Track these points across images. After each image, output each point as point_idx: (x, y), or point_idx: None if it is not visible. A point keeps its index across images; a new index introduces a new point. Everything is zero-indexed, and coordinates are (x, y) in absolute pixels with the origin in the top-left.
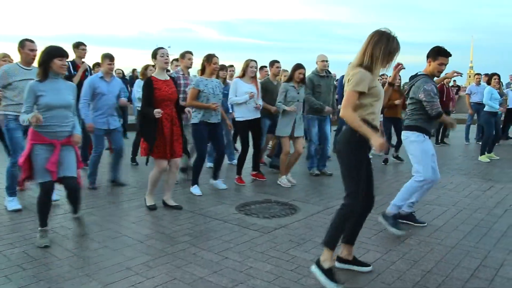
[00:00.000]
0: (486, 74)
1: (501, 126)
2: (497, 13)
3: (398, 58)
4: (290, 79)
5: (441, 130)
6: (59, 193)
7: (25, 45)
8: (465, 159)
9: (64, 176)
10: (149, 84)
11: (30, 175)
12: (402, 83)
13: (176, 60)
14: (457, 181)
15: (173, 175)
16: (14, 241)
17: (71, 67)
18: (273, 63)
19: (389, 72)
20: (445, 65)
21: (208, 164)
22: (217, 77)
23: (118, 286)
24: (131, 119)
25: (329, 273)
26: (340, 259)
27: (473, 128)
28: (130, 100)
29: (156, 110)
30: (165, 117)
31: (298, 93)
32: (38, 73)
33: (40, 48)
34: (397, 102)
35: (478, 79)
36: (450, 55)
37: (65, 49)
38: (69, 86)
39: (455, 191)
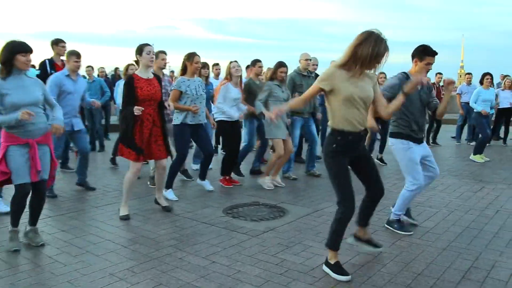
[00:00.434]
0: (469, 74)
1: (491, 126)
2: (488, 12)
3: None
4: (272, 78)
5: (431, 130)
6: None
7: None
8: (456, 160)
9: (40, 179)
10: (130, 82)
11: (7, 178)
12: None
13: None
14: (448, 182)
15: (160, 176)
16: None
17: (48, 66)
18: (255, 62)
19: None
20: (432, 64)
21: (194, 166)
22: (200, 75)
23: None
24: (114, 119)
25: (337, 267)
26: (356, 237)
27: (465, 129)
28: (113, 99)
29: (136, 108)
30: (146, 118)
31: (283, 91)
32: (1, 71)
33: None
34: None
35: (469, 79)
36: (437, 54)
37: (45, 46)
38: (35, 82)
39: (446, 192)
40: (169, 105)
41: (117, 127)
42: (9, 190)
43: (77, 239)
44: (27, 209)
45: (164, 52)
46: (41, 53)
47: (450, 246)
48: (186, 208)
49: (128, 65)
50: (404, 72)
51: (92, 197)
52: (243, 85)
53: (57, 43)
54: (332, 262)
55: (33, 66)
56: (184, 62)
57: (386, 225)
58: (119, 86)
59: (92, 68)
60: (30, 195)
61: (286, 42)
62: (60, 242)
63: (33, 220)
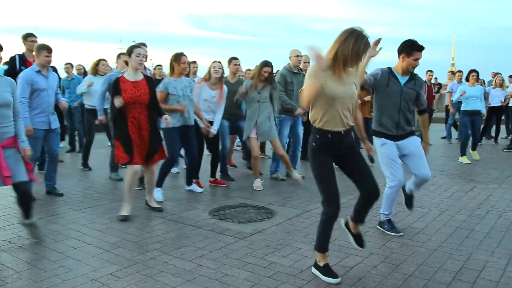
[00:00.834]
0: (460, 71)
1: (482, 125)
2: (480, 8)
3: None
4: (256, 76)
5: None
6: None
7: None
8: (447, 160)
9: (16, 182)
10: (115, 85)
11: None
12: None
13: (123, 54)
14: (439, 182)
15: (149, 179)
16: None
17: (17, 61)
18: (231, 60)
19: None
20: (419, 60)
21: (173, 170)
22: (188, 73)
23: None
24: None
25: (326, 269)
26: (346, 225)
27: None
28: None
29: (116, 98)
30: (131, 121)
31: (259, 93)
32: None
33: None
34: (366, 98)
35: (459, 77)
36: (424, 48)
37: (19, 41)
38: (5, 81)
39: (437, 192)
40: (166, 118)
41: (97, 126)
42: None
43: (57, 244)
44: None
45: (144, 44)
46: (14, 49)
47: (441, 247)
48: (171, 210)
49: (99, 61)
50: (389, 68)
51: (73, 200)
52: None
53: (26, 38)
54: (321, 264)
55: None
56: (171, 62)
57: (377, 227)
58: (85, 82)
59: (71, 65)
60: (17, 197)
61: (272, 39)
62: (39, 247)
63: (26, 215)
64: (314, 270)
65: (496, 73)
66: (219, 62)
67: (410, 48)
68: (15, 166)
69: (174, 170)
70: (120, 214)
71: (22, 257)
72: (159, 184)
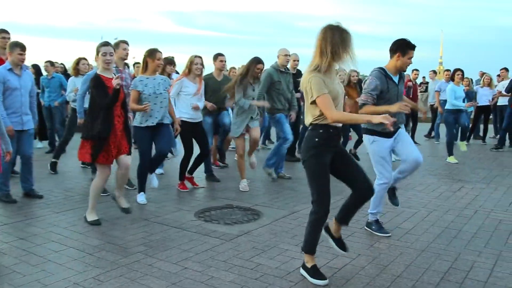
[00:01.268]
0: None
1: (470, 125)
2: (468, 6)
3: (363, 53)
4: (246, 73)
5: (408, 130)
6: None
7: None
8: (435, 159)
9: None
10: (101, 82)
11: None
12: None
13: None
14: (427, 182)
15: (122, 174)
16: None
17: None
18: (217, 56)
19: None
20: (412, 58)
21: (157, 170)
22: (162, 72)
23: None
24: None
25: (314, 270)
26: (327, 230)
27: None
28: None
29: (115, 80)
30: (117, 120)
31: (254, 90)
32: None
33: None
34: (358, 100)
35: (448, 76)
36: (416, 47)
37: None
38: None
39: (424, 192)
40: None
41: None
42: None
43: (37, 247)
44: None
45: (125, 42)
46: None
47: (429, 247)
48: (156, 212)
49: (79, 60)
50: (381, 68)
51: (54, 202)
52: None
53: None
54: (309, 265)
55: None
56: (145, 58)
57: (365, 227)
58: (73, 84)
59: (51, 63)
60: None
61: (257, 37)
62: (18, 250)
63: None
64: (302, 271)
65: (484, 73)
66: (200, 57)
67: (406, 47)
68: None
69: (158, 171)
70: (90, 220)
71: (0, 261)
72: (141, 188)
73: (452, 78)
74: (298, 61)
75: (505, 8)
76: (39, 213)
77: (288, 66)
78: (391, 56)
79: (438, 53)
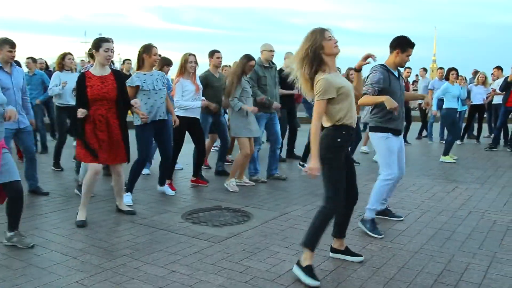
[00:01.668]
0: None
1: (463, 124)
2: (462, 2)
3: (354, 50)
4: (242, 72)
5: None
6: None
7: None
8: (428, 159)
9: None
10: (81, 81)
11: None
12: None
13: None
14: (421, 183)
15: (117, 181)
16: None
17: None
18: (213, 53)
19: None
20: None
21: (145, 171)
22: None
23: None
24: None
25: (307, 270)
26: (333, 249)
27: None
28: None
29: (79, 110)
30: (98, 119)
31: (251, 86)
32: None
33: None
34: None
35: (441, 74)
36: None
37: None
38: None
39: (418, 193)
40: (135, 102)
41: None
42: None
43: (18, 251)
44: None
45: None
46: None
47: (422, 249)
48: (142, 213)
49: (64, 55)
50: (383, 65)
51: (36, 204)
52: (198, 77)
53: None
54: (304, 264)
55: None
56: (141, 54)
57: (359, 223)
58: (56, 78)
59: (33, 59)
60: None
61: (247, 33)
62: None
63: (14, 223)
64: (295, 269)
65: (477, 71)
66: (194, 55)
67: (406, 44)
68: (7, 166)
69: (145, 171)
70: (78, 219)
71: None
72: (130, 188)
73: (446, 77)
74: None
75: (501, 5)
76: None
77: (283, 65)
78: (391, 52)
79: (432, 50)
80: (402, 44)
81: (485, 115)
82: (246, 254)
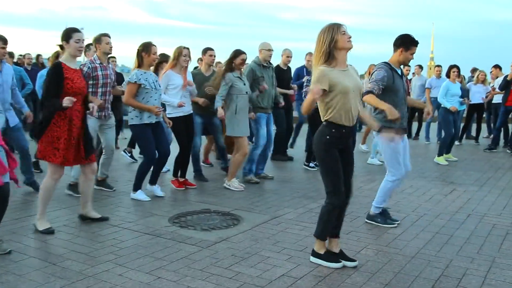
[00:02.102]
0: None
1: (461, 124)
2: None
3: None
4: (231, 68)
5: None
6: None
7: None
8: (425, 161)
9: None
10: (59, 71)
11: None
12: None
13: (91, 44)
14: (417, 185)
15: (87, 184)
16: None
17: None
18: (206, 50)
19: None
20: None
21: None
22: (156, 71)
23: None
24: None
25: (327, 256)
26: (330, 260)
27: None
28: (34, 93)
29: (67, 98)
30: (76, 115)
31: (245, 84)
32: None
33: None
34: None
35: (438, 72)
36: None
37: None
38: None
39: (415, 195)
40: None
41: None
42: None
43: None
44: None
45: (107, 35)
46: None
47: (419, 254)
48: (126, 217)
49: (58, 52)
50: (386, 63)
51: (11, 208)
52: (190, 75)
53: None
54: (321, 252)
55: None
56: (139, 53)
57: (366, 220)
58: (43, 77)
59: (10, 54)
60: None
61: (236, 28)
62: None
63: None
64: (313, 259)
65: (476, 69)
66: (188, 49)
67: (410, 43)
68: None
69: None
70: (41, 229)
71: None
72: (138, 187)
73: (447, 75)
74: (291, 57)
75: (502, 1)
76: None
77: (280, 62)
78: (395, 50)
79: (429, 47)
80: (406, 43)
81: (484, 115)
82: (236, 259)
